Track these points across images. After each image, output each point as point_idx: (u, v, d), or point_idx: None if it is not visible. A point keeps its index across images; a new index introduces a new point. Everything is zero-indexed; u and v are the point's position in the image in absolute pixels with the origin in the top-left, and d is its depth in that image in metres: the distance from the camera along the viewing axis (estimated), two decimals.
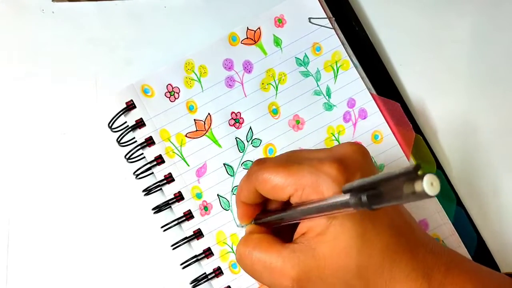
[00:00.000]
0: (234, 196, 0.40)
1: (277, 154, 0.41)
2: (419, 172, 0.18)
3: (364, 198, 0.21)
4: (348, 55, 0.42)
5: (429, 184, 0.18)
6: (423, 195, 0.18)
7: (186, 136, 0.40)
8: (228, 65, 0.41)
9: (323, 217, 0.27)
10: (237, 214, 0.33)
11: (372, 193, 0.21)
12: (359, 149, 0.30)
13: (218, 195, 0.40)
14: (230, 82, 0.41)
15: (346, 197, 0.23)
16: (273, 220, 0.32)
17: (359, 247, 0.27)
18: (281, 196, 0.29)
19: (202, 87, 0.41)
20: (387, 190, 0.20)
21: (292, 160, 0.29)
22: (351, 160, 0.28)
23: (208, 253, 0.39)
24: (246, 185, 0.31)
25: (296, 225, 0.32)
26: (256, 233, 0.31)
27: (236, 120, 0.41)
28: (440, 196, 0.41)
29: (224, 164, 0.40)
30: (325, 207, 0.25)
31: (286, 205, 0.30)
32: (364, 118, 0.42)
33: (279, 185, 0.28)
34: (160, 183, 0.40)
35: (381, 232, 0.27)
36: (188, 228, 0.40)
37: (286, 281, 0.28)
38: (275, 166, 0.29)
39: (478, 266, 0.32)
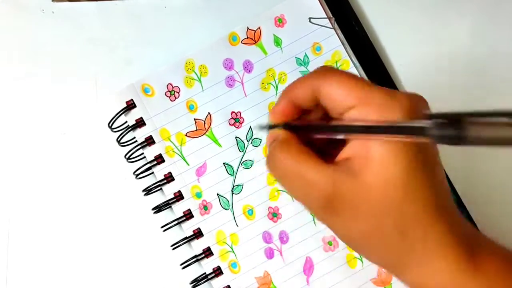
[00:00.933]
0: (234, 195, 0.40)
1: None
2: None
3: (455, 131, 0.19)
4: (348, 55, 0.42)
5: None
6: None
7: (186, 135, 0.40)
8: (229, 64, 0.41)
9: (375, 143, 0.25)
10: (273, 110, 0.30)
11: (463, 127, 0.19)
12: (425, 100, 0.28)
13: (218, 194, 0.40)
14: (230, 82, 0.41)
15: (425, 123, 0.20)
16: (314, 130, 0.29)
17: (406, 186, 0.25)
18: (341, 106, 0.27)
19: (202, 86, 0.41)
20: (484, 128, 0.18)
21: (364, 79, 0.27)
22: (421, 100, 0.27)
23: (208, 252, 0.39)
24: (306, 83, 0.28)
25: (332, 147, 0.30)
26: (293, 141, 0.28)
27: (236, 120, 0.41)
28: None
29: (224, 163, 0.40)
30: (396, 128, 0.23)
31: (329, 120, 0.28)
32: None
33: (345, 93, 0.26)
34: (160, 183, 0.40)
35: (430, 182, 0.26)
36: (188, 227, 0.40)
37: (320, 196, 0.26)
38: (346, 74, 0.27)
39: (499, 244, 0.30)
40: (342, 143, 0.28)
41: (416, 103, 0.26)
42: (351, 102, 0.26)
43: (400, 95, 0.26)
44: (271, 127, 0.30)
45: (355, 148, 0.26)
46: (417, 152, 0.25)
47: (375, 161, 0.25)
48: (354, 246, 0.28)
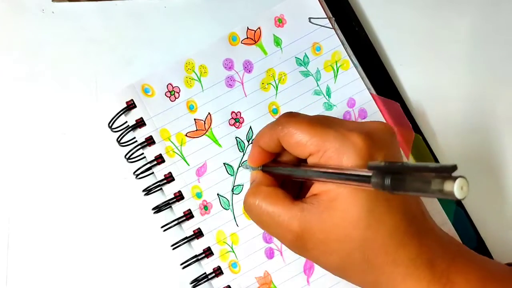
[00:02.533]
0: (235, 195, 0.40)
1: None
2: (453, 174, 0.18)
3: (388, 180, 0.21)
4: (348, 55, 0.42)
5: (460, 187, 0.18)
6: (450, 196, 0.18)
7: (186, 135, 0.40)
8: (228, 64, 0.41)
9: (337, 184, 0.27)
10: (250, 156, 0.34)
11: (397, 177, 0.21)
12: (389, 129, 0.30)
13: (218, 194, 0.40)
14: (230, 82, 0.41)
15: (369, 173, 0.23)
16: (283, 173, 0.32)
17: (369, 221, 0.27)
18: (302, 153, 0.29)
19: (202, 86, 0.41)
20: (413, 179, 0.20)
21: (322, 121, 0.29)
22: (378, 136, 0.28)
23: (208, 252, 0.39)
24: (270, 133, 0.31)
25: (302, 183, 0.33)
26: (265, 185, 0.31)
27: (236, 120, 0.41)
28: None
29: (224, 163, 0.40)
30: (344, 175, 0.25)
31: (299, 161, 0.31)
32: (364, 118, 0.42)
33: (303, 142, 0.28)
34: (160, 183, 0.40)
35: (393, 211, 0.27)
36: (188, 227, 0.40)
37: (290, 235, 0.28)
38: (304, 122, 0.29)
39: (484, 258, 0.32)
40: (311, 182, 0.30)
41: (372, 141, 0.27)
42: (309, 150, 0.28)
43: (354, 136, 0.27)
44: (253, 168, 0.34)
45: (321, 187, 0.28)
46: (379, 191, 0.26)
47: (337, 202, 0.27)
48: (332, 273, 0.31)
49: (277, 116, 0.41)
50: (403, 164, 0.21)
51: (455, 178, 0.18)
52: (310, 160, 0.29)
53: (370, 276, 0.28)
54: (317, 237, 0.28)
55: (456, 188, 0.18)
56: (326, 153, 0.28)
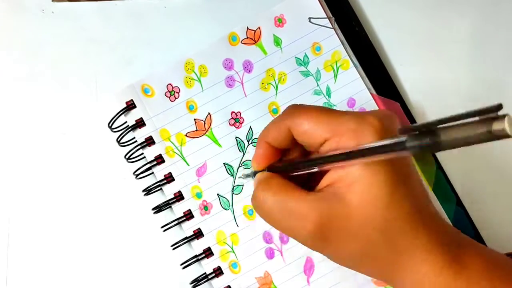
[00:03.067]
0: (235, 196, 0.40)
1: None
2: (499, 113, 0.17)
3: (427, 139, 0.20)
4: (348, 55, 0.42)
5: (510, 123, 0.17)
6: (502, 135, 0.17)
7: (186, 135, 0.40)
8: (228, 64, 0.41)
9: (353, 167, 0.26)
10: (254, 156, 0.32)
11: (435, 134, 0.19)
12: (395, 116, 0.29)
13: (218, 194, 0.40)
14: (230, 82, 0.41)
15: (402, 138, 0.21)
16: (293, 167, 0.30)
17: (388, 202, 0.26)
18: (316, 141, 0.28)
19: (202, 86, 0.41)
20: (454, 131, 0.19)
21: (331, 109, 0.28)
22: (391, 120, 0.28)
23: (208, 253, 0.39)
24: (277, 125, 0.30)
25: (312, 178, 0.31)
26: (275, 178, 0.30)
27: (236, 120, 0.41)
28: (440, 196, 0.41)
29: (224, 163, 0.40)
30: (372, 149, 0.24)
31: (307, 155, 0.30)
32: None
33: (317, 128, 0.27)
34: (160, 183, 0.40)
35: (410, 194, 0.27)
36: (188, 227, 0.40)
37: (308, 225, 0.27)
38: (314, 109, 0.28)
39: (484, 246, 0.32)
40: (321, 174, 0.29)
41: (386, 122, 0.27)
42: (325, 135, 0.27)
43: (370, 117, 0.27)
44: (255, 173, 0.32)
45: (335, 175, 0.27)
46: (393, 170, 0.26)
47: (356, 185, 0.26)
48: (346, 265, 0.30)
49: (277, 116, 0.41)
50: (435, 120, 0.20)
51: (502, 116, 0.17)
52: (325, 148, 0.28)
53: (389, 261, 0.28)
54: (336, 224, 0.27)
55: (508, 125, 0.17)
56: (343, 137, 0.27)
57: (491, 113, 0.17)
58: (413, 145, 0.20)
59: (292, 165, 0.31)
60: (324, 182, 0.28)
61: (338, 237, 0.27)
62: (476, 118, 0.18)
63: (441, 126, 0.19)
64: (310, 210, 0.27)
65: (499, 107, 0.18)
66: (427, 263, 0.27)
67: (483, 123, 0.17)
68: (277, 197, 0.28)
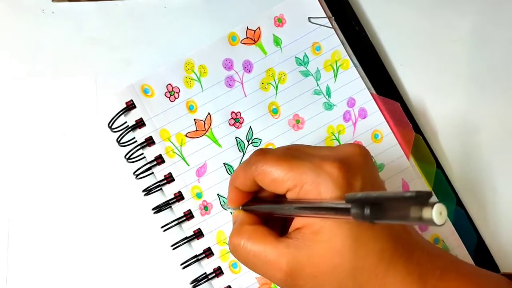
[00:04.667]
0: None
1: None
2: (430, 200, 0.19)
3: (367, 211, 0.21)
4: (348, 54, 0.42)
5: (438, 213, 0.18)
6: (430, 223, 0.18)
7: (186, 136, 0.40)
8: (228, 65, 0.41)
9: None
10: (228, 197, 0.33)
11: (376, 208, 0.21)
12: (361, 151, 0.29)
13: (218, 194, 0.40)
14: (230, 82, 0.41)
15: (348, 205, 0.23)
16: (264, 210, 0.32)
17: (355, 249, 0.27)
18: (279, 190, 0.29)
19: (202, 87, 0.41)
20: (392, 208, 0.20)
21: (294, 154, 0.29)
22: (353, 161, 0.28)
23: (208, 253, 0.39)
24: (244, 173, 0.30)
25: (285, 217, 0.32)
26: (247, 224, 0.31)
27: (236, 120, 0.41)
28: (440, 196, 0.41)
29: (224, 163, 0.40)
30: (324, 209, 0.25)
31: (279, 196, 0.30)
32: (364, 118, 0.42)
33: (279, 178, 0.28)
34: (160, 183, 0.40)
35: (378, 236, 0.27)
36: (188, 228, 0.40)
37: (279, 274, 0.28)
38: (276, 159, 0.29)
39: (475, 268, 0.32)
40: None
41: (347, 167, 0.27)
42: (286, 185, 0.28)
43: (329, 166, 0.27)
44: (234, 208, 0.33)
45: (303, 220, 0.28)
46: None
47: (322, 234, 0.27)
48: None
49: (277, 116, 0.41)
50: (380, 194, 0.21)
51: (432, 204, 0.18)
52: (289, 196, 0.28)
53: None
54: (306, 272, 0.27)
55: (435, 215, 0.18)
56: (304, 187, 0.27)
57: (424, 200, 0.19)
58: (356, 213, 0.22)
59: (262, 208, 0.32)
60: (294, 224, 0.29)
61: (308, 283, 0.28)
62: (411, 203, 0.19)
63: (383, 202, 0.21)
64: (279, 258, 0.28)
65: (429, 194, 0.19)
66: None
67: (417, 207, 0.19)
68: (249, 243, 0.29)
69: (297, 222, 0.29)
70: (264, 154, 0.30)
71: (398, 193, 0.20)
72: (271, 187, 0.29)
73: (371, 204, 0.21)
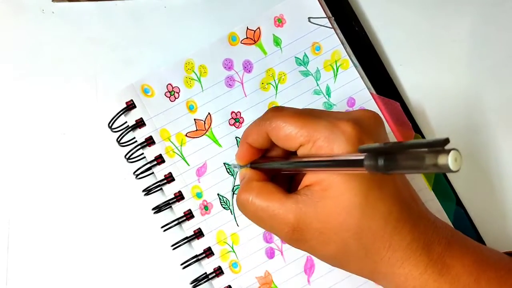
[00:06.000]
0: (235, 195, 0.40)
1: None
2: (445, 147, 0.18)
3: (381, 161, 0.21)
4: (348, 54, 0.42)
5: (453, 159, 0.18)
6: (445, 169, 0.18)
7: (186, 135, 0.40)
8: (228, 64, 0.41)
9: (330, 172, 0.27)
10: (237, 153, 0.34)
11: (390, 157, 0.21)
12: (375, 116, 0.30)
13: (218, 194, 0.40)
14: (230, 82, 0.41)
15: (361, 156, 0.22)
16: (274, 167, 0.32)
17: (363, 208, 0.27)
18: (292, 145, 0.29)
19: (202, 86, 0.41)
20: (406, 157, 0.20)
21: (309, 113, 0.29)
22: (366, 123, 0.29)
23: (208, 252, 0.39)
24: (257, 129, 0.31)
25: (293, 175, 0.32)
26: (256, 180, 0.31)
27: (236, 120, 0.41)
28: (440, 196, 0.41)
29: (224, 163, 0.40)
30: (336, 162, 0.25)
31: (288, 154, 0.31)
32: None
33: (292, 134, 0.28)
34: (160, 183, 0.40)
35: (386, 197, 0.28)
36: (188, 227, 0.40)
37: (286, 227, 0.29)
38: (291, 114, 0.29)
39: (478, 243, 0.32)
40: (302, 173, 0.30)
41: (361, 127, 0.28)
42: (299, 141, 0.28)
43: (343, 124, 0.28)
44: (241, 166, 0.34)
45: (314, 177, 0.28)
46: (367, 174, 0.26)
47: (331, 191, 0.27)
48: (329, 263, 0.31)
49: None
50: (394, 143, 0.21)
51: (448, 151, 0.18)
52: (300, 152, 0.29)
53: (368, 263, 0.29)
54: (313, 227, 0.28)
55: (450, 160, 0.18)
56: (316, 142, 0.28)
57: (439, 146, 0.19)
58: (369, 164, 0.22)
59: (271, 165, 0.32)
60: (304, 182, 0.29)
61: (314, 240, 0.29)
62: (426, 150, 0.19)
63: (397, 151, 0.21)
64: (287, 213, 0.28)
65: (446, 141, 0.19)
66: (410, 262, 0.28)
67: (432, 155, 0.19)
68: (258, 199, 0.30)
69: (306, 179, 0.29)
70: (279, 110, 0.30)
71: (413, 141, 0.20)
72: (284, 143, 0.29)
73: (385, 154, 0.21)
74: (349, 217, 0.27)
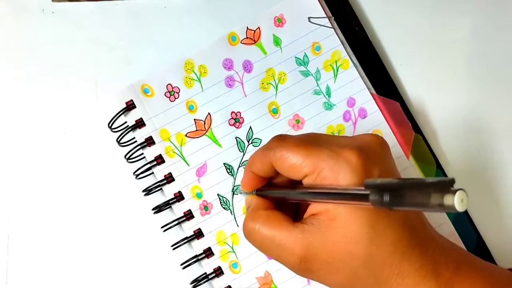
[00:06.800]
0: (235, 195, 0.40)
1: None
2: (451, 187, 0.18)
3: (386, 197, 0.21)
4: (348, 54, 0.42)
5: (460, 200, 0.18)
6: (451, 209, 0.18)
7: (186, 135, 0.40)
8: (228, 65, 0.41)
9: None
10: (242, 181, 0.33)
11: (395, 194, 0.21)
12: (380, 141, 0.30)
13: (218, 194, 0.40)
14: (230, 82, 0.41)
15: (367, 191, 0.22)
16: (279, 195, 0.32)
17: (371, 237, 0.27)
18: (296, 176, 0.29)
19: (202, 87, 0.41)
20: (412, 195, 0.20)
21: (313, 141, 0.29)
22: (371, 150, 0.28)
23: (208, 253, 0.39)
24: (261, 158, 0.31)
25: (298, 203, 0.32)
26: (262, 208, 0.31)
27: (236, 120, 0.41)
28: None
29: (224, 163, 0.40)
30: (341, 195, 0.25)
31: (294, 183, 0.30)
32: (364, 118, 0.42)
33: (297, 164, 0.28)
34: (160, 183, 0.40)
35: (394, 224, 0.27)
36: (188, 228, 0.40)
37: (293, 258, 0.28)
38: (295, 144, 0.29)
39: (487, 264, 0.32)
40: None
41: (366, 155, 0.27)
42: (304, 171, 0.28)
43: (348, 153, 0.27)
44: (247, 193, 0.33)
45: (319, 206, 0.28)
46: None
47: (338, 220, 0.27)
48: None
49: (277, 116, 0.41)
50: (400, 180, 0.21)
51: (454, 191, 0.18)
52: (306, 181, 0.29)
53: None
54: (320, 257, 0.28)
55: (457, 201, 0.18)
56: (321, 173, 0.27)
57: (445, 187, 0.19)
58: (375, 199, 0.22)
59: (276, 194, 0.32)
60: (309, 211, 0.29)
61: (322, 270, 0.28)
62: (432, 189, 0.19)
63: (402, 188, 0.21)
64: (294, 243, 0.28)
65: (452, 181, 0.19)
66: None
67: (438, 194, 0.19)
68: (264, 228, 0.30)
69: (312, 208, 0.29)
70: (283, 139, 0.30)
71: (419, 179, 0.20)
72: (289, 173, 0.29)
73: (390, 190, 0.21)
74: (357, 247, 0.27)
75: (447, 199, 0.18)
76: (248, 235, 0.31)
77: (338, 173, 0.27)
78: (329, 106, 0.42)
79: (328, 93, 0.42)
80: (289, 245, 0.28)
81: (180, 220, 0.39)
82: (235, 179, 0.40)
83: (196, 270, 0.40)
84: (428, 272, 0.28)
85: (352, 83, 0.42)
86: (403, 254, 0.27)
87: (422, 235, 0.29)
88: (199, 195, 0.40)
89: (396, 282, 0.28)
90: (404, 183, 0.21)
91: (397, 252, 0.27)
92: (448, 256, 0.29)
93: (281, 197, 0.32)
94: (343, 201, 0.26)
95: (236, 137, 0.41)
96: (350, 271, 0.28)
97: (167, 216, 0.40)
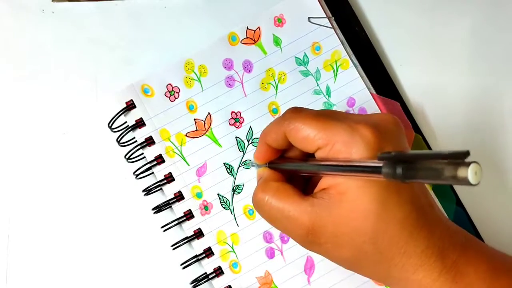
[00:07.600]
0: (235, 195, 0.40)
1: None
2: (466, 159, 0.18)
3: (399, 169, 0.21)
4: (348, 54, 0.42)
5: (474, 172, 0.18)
6: (464, 181, 0.18)
7: (186, 135, 0.40)
8: (228, 64, 0.41)
9: (347, 177, 0.27)
10: (256, 153, 0.33)
11: (409, 166, 0.21)
12: (395, 121, 0.30)
13: (218, 194, 0.40)
14: (230, 82, 0.41)
15: (379, 163, 0.22)
16: (291, 168, 0.32)
17: (379, 213, 0.27)
18: (310, 148, 0.29)
19: (202, 86, 0.41)
20: (425, 167, 0.20)
21: (329, 115, 0.29)
22: (386, 128, 0.28)
23: (208, 252, 0.39)
24: (276, 129, 0.31)
25: (309, 178, 0.32)
26: (273, 180, 0.31)
27: (236, 120, 0.41)
28: (440, 196, 0.41)
29: (224, 163, 0.40)
30: (354, 167, 0.25)
31: (306, 157, 0.30)
32: None
33: (311, 136, 0.28)
34: (160, 183, 0.40)
35: (403, 203, 0.27)
36: (188, 227, 0.40)
37: (300, 230, 0.28)
38: (310, 116, 0.29)
39: (492, 249, 0.31)
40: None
41: (380, 132, 0.27)
42: (317, 144, 0.28)
43: (363, 128, 0.27)
44: (259, 165, 0.33)
45: (331, 180, 0.28)
46: (388, 183, 0.26)
47: (348, 195, 0.27)
48: (343, 266, 0.31)
49: (277, 116, 0.41)
50: (414, 153, 0.21)
51: (468, 164, 0.18)
52: (318, 154, 0.29)
53: (382, 268, 0.28)
54: (328, 230, 0.28)
55: (470, 174, 0.18)
56: (335, 146, 0.27)
57: (459, 159, 0.18)
58: (388, 172, 0.22)
59: (289, 166, 0.32)
60: (320, 185, 0.29)
61: (329, 244, 0.28)
62: (445, 161, 0.19)
63: (416, 160, 0.21)
64: (302, 215, 0.28)
65: (467, 154, 0.19)
66: (424, 269, 0.28)
67: (451, 166, 0.18)
68: (274, 200, 0.30)
69: (323, 182, 0.29)
70: (299, 111, 0.30)
71: (433, 151, 0.20)
72: (302, 144, 0.29)
73: (403, 162, 0.21)
74: (365, 222, 0.27)
75: (461, 171, 0.18)
76: (256, 205, 0.31)
77: (352, 147, 0.27)
78: (329, 106, 0.42)
79: (328, 93, 0.42)
80: (297, 217, 0.28)
81: (180, 220, 0.39)
82: (235, 179, 0.40)
83: (196, 270, 0.40)
84: (434, 253, 0.27)
85: (352, 83, 0.42)
86: (410, 233, 0.27)
87: (430, 216, 0.29)
88: (199, 195, 0.40)
89: (402, 262, 0.28)
90: (418, 154, 0.21)
91: (404, 231, 0.27)
92: (455, 238, 0.29)
93: (293, 170, 0.32)
94: (356, 174, 0.25)
95: (236, 137, 0.41)
96: (356, 246, 0.28)
97: (167, 216, 0.40)
